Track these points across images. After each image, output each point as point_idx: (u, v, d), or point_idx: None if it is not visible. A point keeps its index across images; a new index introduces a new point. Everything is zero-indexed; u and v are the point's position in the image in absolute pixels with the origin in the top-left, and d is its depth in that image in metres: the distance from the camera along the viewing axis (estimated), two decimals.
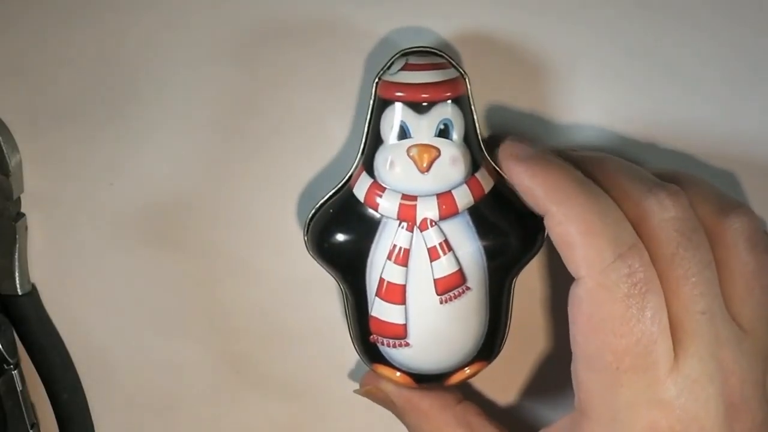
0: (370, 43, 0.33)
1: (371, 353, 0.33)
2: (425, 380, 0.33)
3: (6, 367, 0.36)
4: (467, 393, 0.38)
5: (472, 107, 0.31)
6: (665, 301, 0.28)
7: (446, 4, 0.33)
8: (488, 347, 0.33)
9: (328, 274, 0.33)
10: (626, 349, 0.28)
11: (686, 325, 0.28)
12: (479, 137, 0.32)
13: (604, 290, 0.28)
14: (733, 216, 0.30)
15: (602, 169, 0.30)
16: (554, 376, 0.37)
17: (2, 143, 0.35)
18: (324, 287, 0.34)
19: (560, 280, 0.36)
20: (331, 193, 0.33)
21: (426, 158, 0.31)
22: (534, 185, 0.30)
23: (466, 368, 0.33)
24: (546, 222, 0.29)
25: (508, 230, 0.32)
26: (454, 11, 0.33)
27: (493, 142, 0.32)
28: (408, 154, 0.31)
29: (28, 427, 0.36)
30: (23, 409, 0.36)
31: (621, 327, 0.28)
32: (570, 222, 0.28)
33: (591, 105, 0.34)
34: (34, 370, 0.37)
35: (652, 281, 0.28)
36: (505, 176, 0.31)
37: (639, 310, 0.27)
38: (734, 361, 0.29)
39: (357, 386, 0.36)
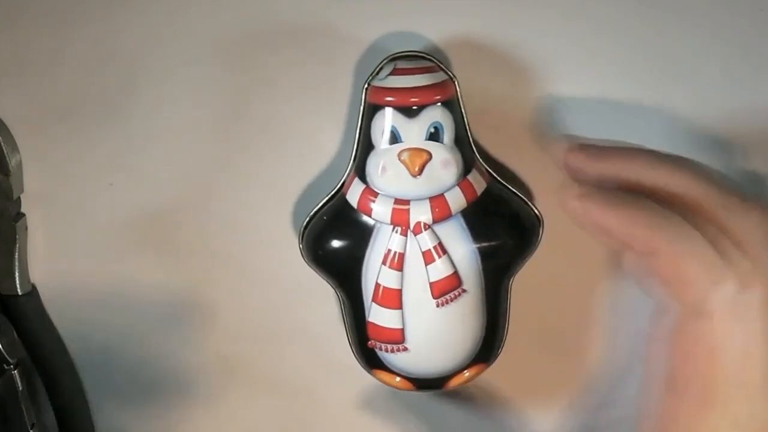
0: (359, 49, 0.33)
1: (370, 359, 0.33)
2: (425, 384, 0.33)
3: (6, 367, 0.36)
4: (467, 395, 0.38)
5: (463, 109, 0.31)
6: None
7: (434, 7, 0.33)
8: (487, 349, 0.33)
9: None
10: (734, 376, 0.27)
11: None
12: (470, 139, 0.31)
13: (732, 322, 0.27)
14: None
15: (679, 177, 0.29)
16: (558, 378, 0.37)
17: (2, 143, 0.35)
18: (320, 289, 0.34)
19: (559, 281, 0.35)
20: (324, 201, 0.33)
21: (417, 162, 0.30)
22: (633, 229, 0.28)
23: (465, 371, 0.33)
24: (650, 262, 0.28)
25: (502, 231, 0.32)
26: (442, 15, 0.33)
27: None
28: (399, 159, 0.30)
29: (28, 427, 0.36)
30: (23, 409, 0.36)
31: (744, 359, 0.27)
32: (685, 258, 0.27)
33: (580, 107, 0.34)
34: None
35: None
36: (576, 220, 0.29)
37: (763, 334, 0.27)
38: None
39: (352, 387, 0.36)
